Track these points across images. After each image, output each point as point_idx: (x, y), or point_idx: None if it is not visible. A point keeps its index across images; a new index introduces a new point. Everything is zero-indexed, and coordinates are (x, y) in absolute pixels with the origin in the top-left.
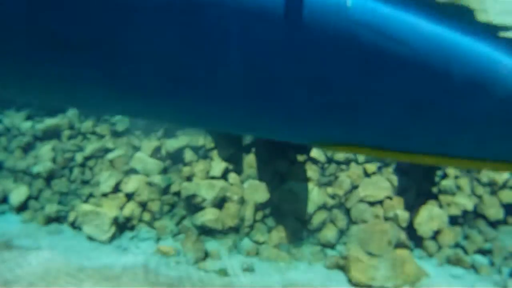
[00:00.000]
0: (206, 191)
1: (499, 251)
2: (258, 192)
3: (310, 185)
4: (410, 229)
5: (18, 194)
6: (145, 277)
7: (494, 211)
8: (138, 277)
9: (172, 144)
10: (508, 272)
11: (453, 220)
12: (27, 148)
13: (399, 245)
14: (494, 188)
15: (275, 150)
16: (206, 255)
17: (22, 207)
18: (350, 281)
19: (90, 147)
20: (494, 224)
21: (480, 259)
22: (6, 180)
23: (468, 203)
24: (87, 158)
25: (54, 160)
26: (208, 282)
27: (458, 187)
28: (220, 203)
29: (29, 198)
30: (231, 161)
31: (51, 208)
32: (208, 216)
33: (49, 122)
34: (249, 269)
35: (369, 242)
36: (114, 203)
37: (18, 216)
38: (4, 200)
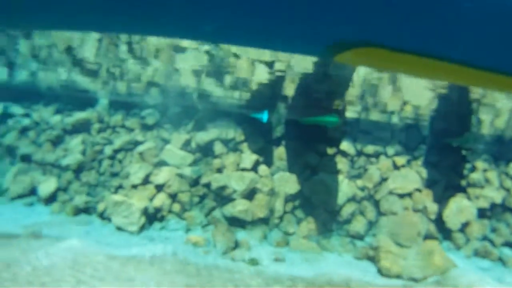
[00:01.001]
0: (237, 183)
1: None
2: (288, 183)
3: (340, 177)
4: (439, 222)
5: (47, 185)
6: (175, 266)
7: None
8: (167, 266)
9: (202, 137)
10: None
11: (481, 213)
12: (56, 142)
13: (428, 236)
14: None
15: (305, 143)
16: (236, 245)
17: (50, 199)
18: (379, 271)
19: (120, 140)
20: None
21: (508, 252)
22: (34, 172)
23: (496, 196)
24: (117, 151)
25: (83, 153)
26: (238, 271)
27: (487, 180)
28: (250, 194)
29: (57, 189)
30: (261, 153)
31: (80, 199)
32: (238, 207)
33: (78, 115)
34: (279, 259)
35: (399, 233)
36: (144, 194)
37: (46, 207)
38: (33, 192)
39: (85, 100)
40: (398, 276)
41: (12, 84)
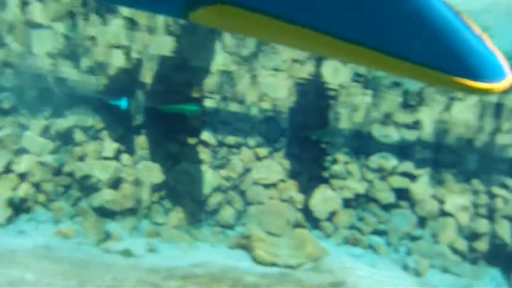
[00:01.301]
0: (100, 172)
1: (393, 232)
2: (153, 173)
3: (204, 167)
4: (306, 211)
5: None
6: (47, 259)
7: (385, 195)
8: (41, 259)
9: (61, 124)
10: (405, 251)
11: (347, 203)
12: None
13: (297, 225)
14: (383, 173)
15: (166, 132)
16: (107, 236)
17: None
18: (254, 259)
19: None
20: (386, 207)
21: (377, 240)
22: None
23: (359, 187)
24: None
25: None
26: (113, 262)
27: (349, 172)
28: (115, 184)
29: None
30: (122, 142)
31: None
32: (105, 196)
33: None
34: (152, 250)
35: (269, 222)
36: (7, 184)
37: None
38: None
39: None
40: (273, 264)
41: None
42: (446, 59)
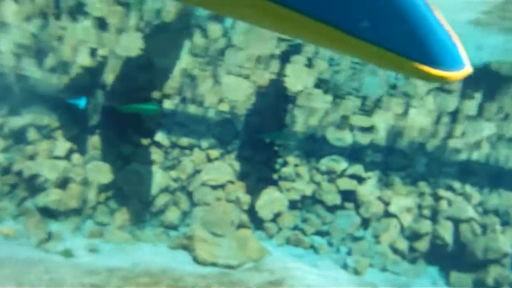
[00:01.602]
0: (49, 171)
1: (336, 232)
2: (102, 173)
3: (154, 168)
4: (251, 212)
5: None
6: None
7: (332, 197)
8: None
9: (15, 122)
10: (346, 251)
11: (293, 205)
12: None
13: (241, 226)
14: (332, 176)
15: (120, 133)
16: (49, 236)
17: None
18: (195, 260)
19: None
20: (331, 209)
21: (319, 240)
22: None
23: (307, 189)
24: None
25: None
26: (52, 263)
27: (298, 175)
28: (63, 184)
29: None
30: (75, 141)
31: None
32: (51, 196)
33: None
34: (94, 250)
35: (213, 222)
36: None
37: None
38: None
39: None
40: (214, 264)
41: None
42: (409, 43)
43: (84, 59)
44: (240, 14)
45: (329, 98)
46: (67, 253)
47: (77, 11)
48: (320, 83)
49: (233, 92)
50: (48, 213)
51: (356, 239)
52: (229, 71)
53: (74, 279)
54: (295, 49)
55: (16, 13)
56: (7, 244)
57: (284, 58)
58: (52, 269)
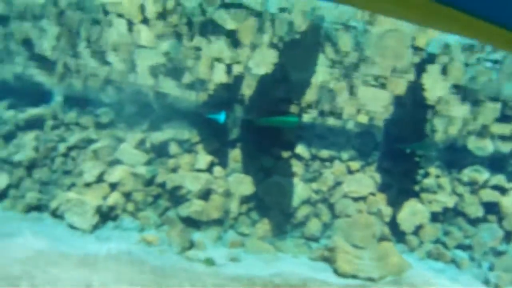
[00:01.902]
0: (191, 183)
1: (479, 246)
2: (243, 185)
3: (295, 180)
4: (392, 224)
5: None
6: (130, 265)
7: (474, 209)
8: (123, 265)
9: (157, 137)
10: (488, 266)
11: (434, 217)
12: (8, 137)
13: (382, 238)
14: (474, 187)
15: (261, 146)
16: (191, 245)
17: (2, 195)
18: (336, 271)
19: (74, 137)
20: (473, 222)
21: (461, 254)
22: None
23: (449, 201)
24: (70, 149)
25: (36, 149)
26: (194, 270)
27: (439, 186)
28: (205, 195)
29: (9, 186)
30: (216, 155)
31: (32, 196)
32: (193, 207)
33: (32, 111)
34: (235, 259)
35: (354, 234)
36: (97, 193)
37: None
38: None
39: (40, 96)
40: (354, 276)
41: None
42: None
43: (220, 76)
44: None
45: (466, 105)
46: (209, 262)
47: (209, 28)
48: (457, 90)
49: (371, 102)
50: (190, 223)
51: (498, 253)
52: (365, 82)
53: (214, 285)
54: (430, 57)
55: (149, 35)
56: (150, 251)
57: (419, 66)
58: (193, 276)
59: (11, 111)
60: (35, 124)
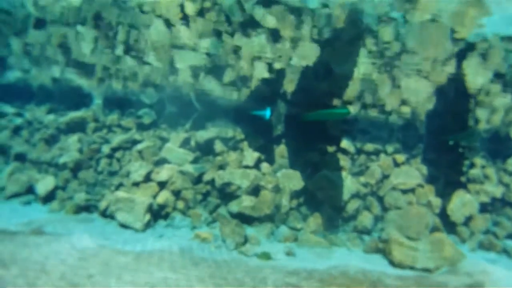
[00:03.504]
0: (241, 180)
1: None
2: (293, 180)
3: (343, 174)
4: (442, 216)
5: (45, 184)
6: (190, 260)
7: None
8: (183, 260)
9: (202, 135)
10: None
11: (483, 208)
12: (50, 141)
13: (434, 229)
14: None
15: (306, 141)
16: (245, 240)
17: (48, 197)
18: (391, 263)
19: (117, 138)
20: None
21: (511, 244)
22: (30, 171)
23: (496, 191)
24: (114, 150)
25: (80, 151)
26: (253, 264)
27: (486, 176)
28: (254, 191)
29: (56, 188)
30: (262, 151)
31: (80, 197)
32: (245, 203)
33: (73, 115)
34: (290, 253)
35: (407, 226)
36: (147, 192)
37: (44, 206)
38: (30, 190)
39: (79, 100)
40: (411, 267)
41: (2, 83)
42: None
43: (261, 72)
44: None
45: (508, 94)
46: (266, 256)
47: (249, 25)
48: (497, 79)
49: (413, 94)
50: (242, 219)
51: None
52: (407, 73)
53: (275, 279)
54: (470, 47)
55: (189, 34)
56: (205, 247)
57: (460, 56)
58: (252, 270)
59: (51, 115)
60: (76, 127)
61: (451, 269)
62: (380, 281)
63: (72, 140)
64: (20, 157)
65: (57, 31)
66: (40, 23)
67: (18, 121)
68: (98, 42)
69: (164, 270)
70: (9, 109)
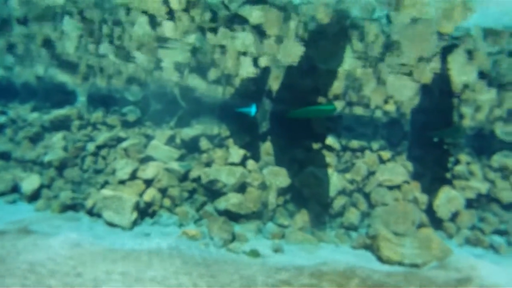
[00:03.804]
0: (227, 177)
1: None
2: (279, 177)
3: (330, 171)
4: (429, 212)
5: (30, 182)
6: (179, 258)
7: (507, 194)
8: (172, 259)
9: (187, 133)
10: None
11: (469, 204)
12: (35, 139)
13: (421, 225)
14: (505, 173)
15: (291, 138)
16: (233, 237)
17: (34, 196)
18: (379, 259)
19: (102, 136)
20: (507, 207)
21: (498, 239)
22: (15, 170)
23: (482, 187)
24: (99, 147)
25: (65, 149)
26: (242, 262)
27: (471, 173)
28: (241, 188)
29: (41, 186)
30: (247, 148)
31: (66, 196)
32: (232, 200)
33: (57, 112)
34: (279, 250)
35: (394, 222)
36: (133, 190)
37: (30, 205)
38: (15, 189)
39: (63, 97)
40: (399, 263)
41: None
42: None
43: (247, 69)
44: None
45: (493, 90)
46: (254, 253)
47: (234, 22)
48: (483, 76)
49: (398, 91)
50: (229, 216)
51: None
52: (392, 70)
53: (264, 277)
54: (455, 44)
55: (174, 30)
56: (194, 245)
57: (445, 53)
58: (241, 267)
59: (35, 113)
60: (61, 125)
61: (439, 264)
62: (369, 277)
63: (57, 138)
64: (4, 156)
65: (40, 28)
66: (22, 20)
67: (2, 119)
68: (82, 39)
69: (156, 267)
70: None
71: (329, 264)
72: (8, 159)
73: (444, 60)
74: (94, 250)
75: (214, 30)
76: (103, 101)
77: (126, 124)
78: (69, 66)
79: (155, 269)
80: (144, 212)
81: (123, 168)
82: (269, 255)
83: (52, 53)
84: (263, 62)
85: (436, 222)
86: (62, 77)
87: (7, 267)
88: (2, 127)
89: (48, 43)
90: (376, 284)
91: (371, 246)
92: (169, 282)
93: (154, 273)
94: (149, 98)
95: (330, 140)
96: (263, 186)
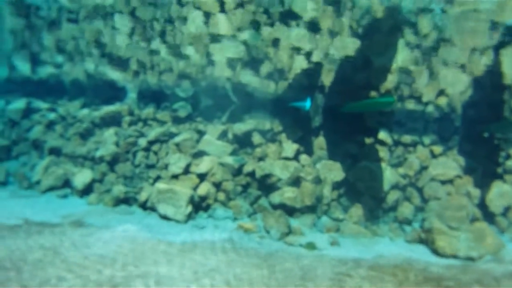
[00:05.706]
0: (281, 171)
1: None
2: (333, 171)
3: (383, 165)
4: (481, 206)
5: (82, 177)
6: (236, 251)
7: None
8: (229, 251)
9: (239, 128)
10: None
11: None
12: (85, 135)
13: (474, 219)
14: None
15: (343, 133)
16: (289, 230)
17: (86, 190)
18: (435, 252)
19: (154, 132)
20: None
21: None
22: (65, 165)
23: None
24: (151, 143)
25: (117, 145)
26: (300, 254)
27: None
28: (295, 182)
29: (93, 181)
30: (300, 143)
31: (119, 190)
32: (287, 194)
33: (107, 109)
34: (334, 243)
35: (448, 216)
36: (186, 184)
37: (82, 199)
38: (66, 184)
39: (113, 94)
40: (454, 256)
41: (35, 78)
42: None
43: (300, 63)
44: None
45: None
46: (311, 246)
47: (288, 16)
48: None
49: (451, 85)
50: (283, 210)
51: None
52: (445, 64)
53: (323, 268)
54: (509, 38)
55: (227, 26)
56: (250, 238)
57: (498, 47)
58: (300, 259)
59: (85, 109)
60: (111, 121)
61: (494, 257)
62: (426, 270)
63: (109, 134)
64: (55, 151)
65: (90, 25)
66: (72, 18)
67: (52, 116)
68: (134, 36)
69: (213, 258)
70: (42, 104)
71: (386, 257)
72: (59, 154)
73: (496, 53)
74: (153, 243)
75: (267, 25)
76: (154, 97)
77: (177, 120)
78: (120, 63)
79: (216, 259)
80: (198, 206)
81: (177, 163)
82: (325, 248)
83: (103, 51)
84: (316, 56)
85: (488, 217)
86: (113, 74)
87: (63, 259)
88: (52, 123)
89: (98, 41)
90: (434, 276)
91: (426, 239)
92: (234, 271)
93: (215, 263)
94: (200, 94)
95: (382, 135)
96: (317, 180)
